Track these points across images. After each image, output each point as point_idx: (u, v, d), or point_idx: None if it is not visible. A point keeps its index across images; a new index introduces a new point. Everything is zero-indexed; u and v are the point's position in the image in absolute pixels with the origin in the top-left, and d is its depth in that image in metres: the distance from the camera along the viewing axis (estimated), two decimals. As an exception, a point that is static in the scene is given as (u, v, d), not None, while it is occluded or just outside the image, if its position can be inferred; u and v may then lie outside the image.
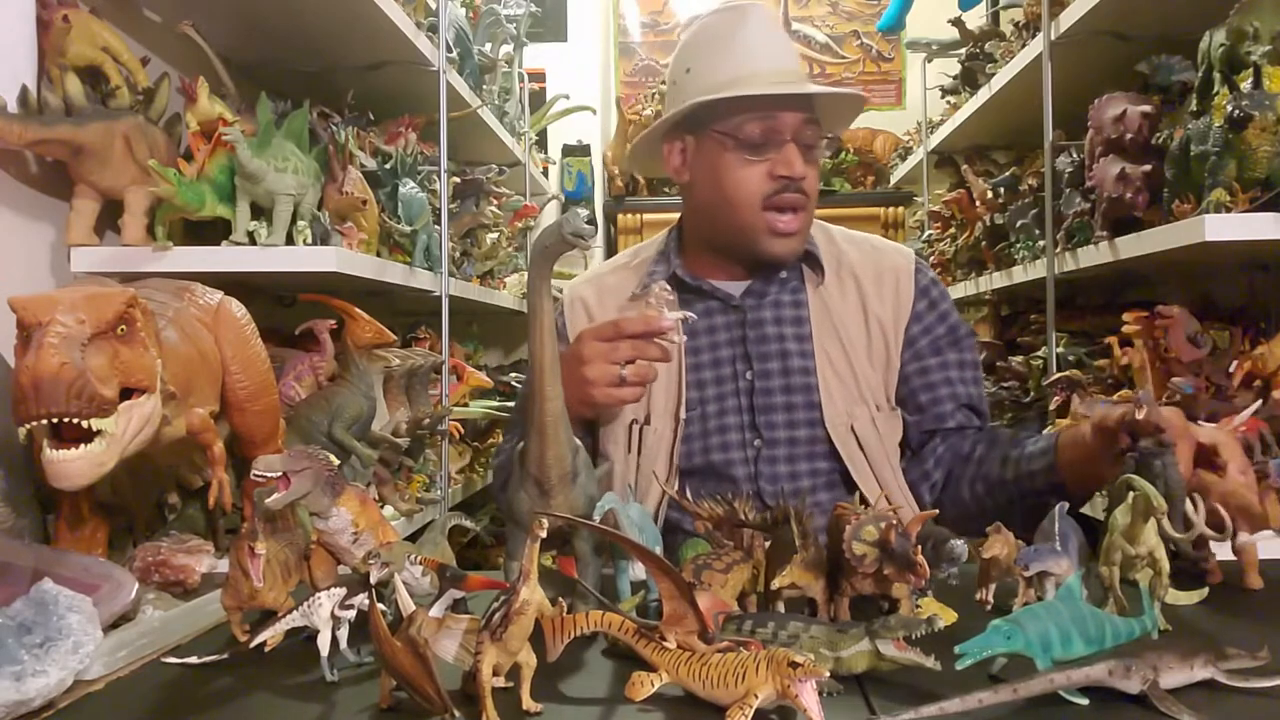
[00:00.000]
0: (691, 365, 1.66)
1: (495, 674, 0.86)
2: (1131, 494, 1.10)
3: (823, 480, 1.62)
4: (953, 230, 3.70)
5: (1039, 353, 2.81)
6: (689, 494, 1.52)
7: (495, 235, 3.20)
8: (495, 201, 3.18)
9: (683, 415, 1.62)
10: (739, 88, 1.57)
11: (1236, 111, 1.73)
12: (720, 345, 1.67)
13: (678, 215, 1.82)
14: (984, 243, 3.32)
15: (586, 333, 1.49)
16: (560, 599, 0.97)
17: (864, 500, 1.16)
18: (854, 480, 1.58)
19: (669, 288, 1.49)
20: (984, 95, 3.32)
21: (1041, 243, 2.77)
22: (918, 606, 1.09)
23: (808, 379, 1.63)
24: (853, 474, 1.59)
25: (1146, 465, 1.22)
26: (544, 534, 0.87)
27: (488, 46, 3.28)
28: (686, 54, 1.68)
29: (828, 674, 0.87)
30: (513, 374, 3.43)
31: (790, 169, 1.58)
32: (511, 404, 3.20)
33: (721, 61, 1.62)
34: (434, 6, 2.61)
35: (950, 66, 3.88)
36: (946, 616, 1.05)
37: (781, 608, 1.11)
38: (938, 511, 1.17)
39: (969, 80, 3.57)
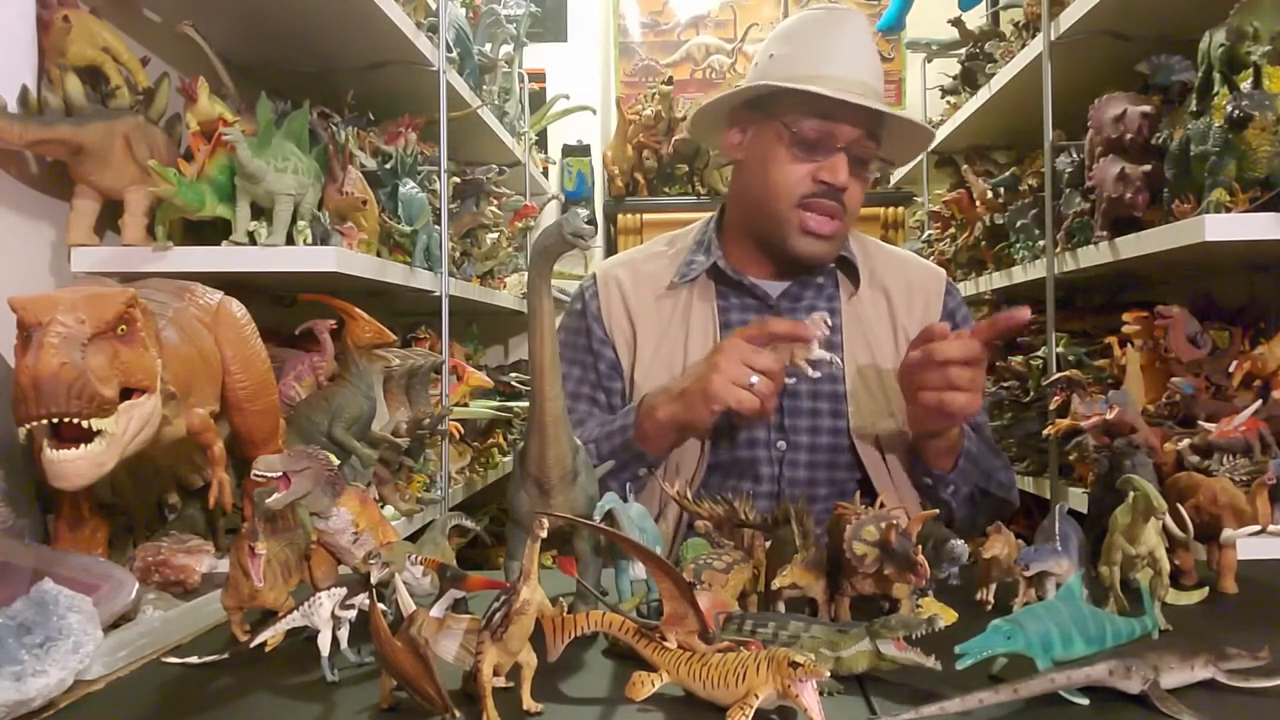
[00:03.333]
0: None
1: (495, 674, 0.86)
2: (1132, 494, 1.10)
3: (838, 490, 1.62)
4: (953, 230, 3.69)
5: (1039, 353, 2.81)
6: (713, 488, 1.53)
7: (495, 235, 3.20)
8: (495, 201, 3.18)
9: (715, 407, 1.62)
10: (807, 84, 1.58)
11: (1236, 111, 1.73)
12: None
13: (678, 216, 1.83)
14: (984, 243, 3.32)
15: (737, 332, 1.48)
16: (560, 599, 0.97)
17: (865, 500, 1.16)
18: (875, 491, 1.58)
19: (828, 320, 1.45)
20: (984, 95, 3.31)
21: (1041, 243, 2.77)
22: (918, 606, 1.09)
23: (835, 387, 1.64)
24: (875, 484, 1.59)
25: (1118, 465, 1.23)
26: (544, 534, 0.87)
27: (488, 46, 3.28)
28: (777, 40, 1.70)
29: (828, 674, 0.87)
30: (513, 374, 3.43)
31: (834, 177, 1.59)
32: (511, 404, 3.20)
33: (804, 55, 1.63)
34: (434, 6, 2.61)
35: (950, 66, 3.87)
36: (947, 616, 1.05)
37: (782, 608, 1.11)
38: (937, 511, 1.17)
39: (969, 80, 3.57)
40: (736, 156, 1.74)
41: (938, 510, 1.20)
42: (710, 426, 1.56)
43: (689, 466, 1.60)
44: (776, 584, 1.09)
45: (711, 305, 1.70)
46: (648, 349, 1.69)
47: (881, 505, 1.15)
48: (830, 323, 1.46)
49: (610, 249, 4.74)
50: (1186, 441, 1.68)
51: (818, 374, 1.42)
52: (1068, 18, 2.52)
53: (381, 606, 0.94)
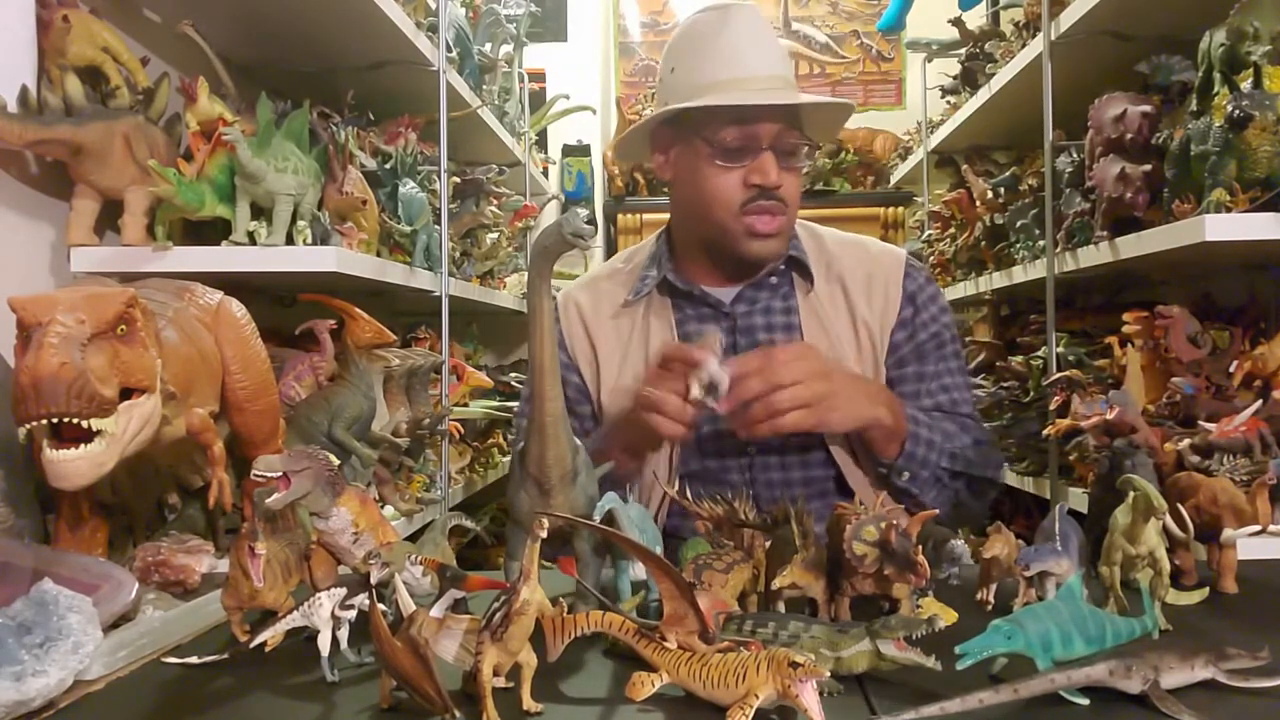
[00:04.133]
0: None
1: (495, 674, 0.86)
2: (1132, 494, 1.10)
3: (816, 489, 1.62)
4: (953, 230, 3.70)
5: (1039, 353, 2.81)
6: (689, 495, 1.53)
7: (495, 235, 3.20)
8: (495, 201, 3.18)
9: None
10: (716, 93, 1.57)
11: (1236, 111, 1.73)
12: None
13: (677, 216, 1.82)
14: (984, 243, 3.32)
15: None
16: (560, 599, 0.97)
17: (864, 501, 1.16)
18: (849, 487, 1.58)
19: (721, 340, 1.46)
20: (984, 95, 3.32)
21: (1041, 243, 2.77)
22: (918, 606, 1.09)
23: None
24: (847, 479, 1.59)
25: (1118, 465, 1.23)
26: (544, 534, 0.87)
27: (488, 46, 3.28)
28: (673, 52, 1.69)
29: (828, 674, 0.87)
30: (513, 374, 3.43)
31: (765, 178, 1.57)
32: (511, 404, 3.20)
33: (704, 64, 1.62)
34: (434, 6, 2.61)
35: (950, 66, 3.88)
36: (947, 616, 1.05)
37: (782, 608, 1.11)
38: (937, 511, 1.17)
39: (969, 80, 3.57)
40: (665, 176, 1.74)
41: (936, 510, 1.20)
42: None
43: (660, 478, 1.60)
44: (776, 584, 1.09)
45: (669, 318, 1.70)
46: (611, 369, 1.69)
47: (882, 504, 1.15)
48: (723, 341, 1.46)
49: (610, 249, 4.74)
50: (1187, 441, 1.68)
51: (713, 403, 1.41)
52: (1068, 18, 2.52)
53: (381, 606, 0.94)
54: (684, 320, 1.70)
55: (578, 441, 1.12)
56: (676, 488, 1.58)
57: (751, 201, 1.59)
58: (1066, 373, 2.32)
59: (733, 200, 1.60)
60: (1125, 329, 2.11)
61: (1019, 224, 2.94)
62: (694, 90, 1.60)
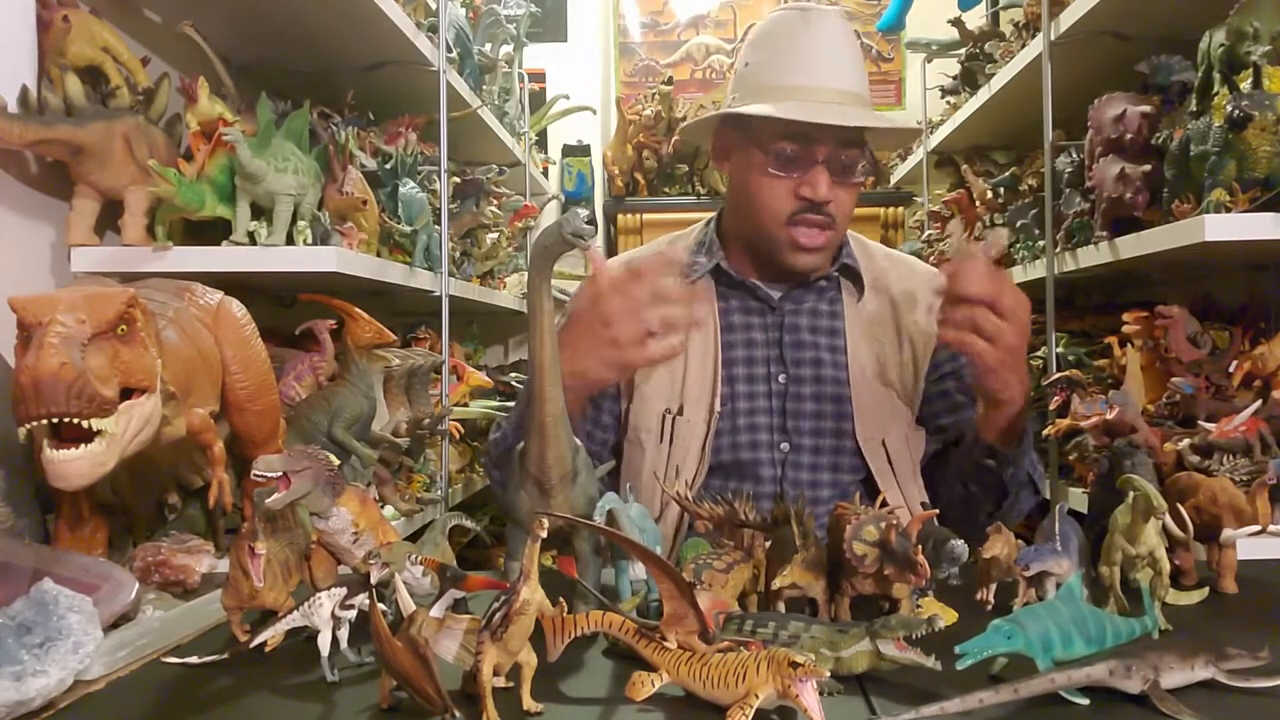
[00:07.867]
0: (726, 360, 1.66)
1: (495, 674, 0.86)
2: (1132, 494, 1.10)
3: (840, 492, 1.62)
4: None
5: (1039, 353, 2.81)
6: (714, 490, 1.53)
7: (495, 235, 3.20)
8: (495, 201, 3.18)
9: (717, 408, 1.62)
10: (780, 99, 1.55)
11: (1236, 111, 1.73)
12: (756, 344, 1.67)
13: (678, 216, 1.83)
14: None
15: (605, 288, 1.37)
16: (560, 599, 0.97)
17: (866, 501, 1.16)
18: (879, 493, 1.58)
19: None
20: (984, 95, 3.31)
21: (1041, 243, 2.77)
22: (918, 606, 1.09)
23: (840, 389, 1.64)
24: (880, 486, 1.58)
25: (1118, 465, 1.23)
26: (544, 534, 0.87)
27: (488, 46, 3.28)
28: (752, 46, 1.67)
29: (828, 674, 0.87)
30: (513, 374, 3.43)
31: (814, 192, 1.56)
32: (510, 404, 3.20)
33: (774, 65, 1.60)
34: (434, 6, 2.61)
35: (950, 66, 3.87)
36: (947, 616, 1.05)
37: (782, 608, 1.11)
38: (938, 511, 1.17)
39: (969, 80, 3.57)
40: (723, 168, 1.73)
41: (937, 510, 1.19)
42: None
43: (689, 468, 1.60)
44: (776, 584, 1.09)
45: (712, 306, 1.70)
46: None
47: (883, 504, 1.14)
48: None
49: (610, 249, 4.74)
50: (1186, 441, 1.68)
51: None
52: (1068, 18, 2.52)
53: (381, 606, 0.94)
54: (728, 310, 1.70)
55: (577, 441, 1.12)
56: (703, 480, 1.58)
57: (799, 213, 1.58)
58: (1066, 373, 2.31)
59: (781, 210, 1.58)
60: (1125, 329, 2.11)
61: (1019, 224, 2.94)
62: (761, 90, 1.58)
